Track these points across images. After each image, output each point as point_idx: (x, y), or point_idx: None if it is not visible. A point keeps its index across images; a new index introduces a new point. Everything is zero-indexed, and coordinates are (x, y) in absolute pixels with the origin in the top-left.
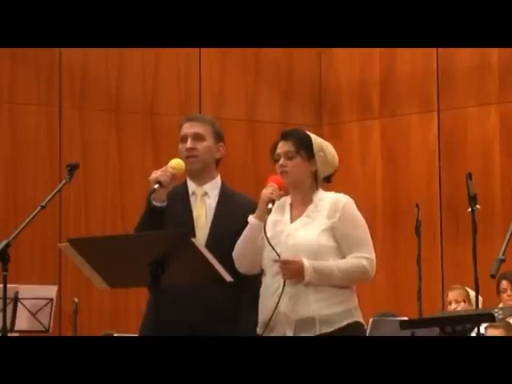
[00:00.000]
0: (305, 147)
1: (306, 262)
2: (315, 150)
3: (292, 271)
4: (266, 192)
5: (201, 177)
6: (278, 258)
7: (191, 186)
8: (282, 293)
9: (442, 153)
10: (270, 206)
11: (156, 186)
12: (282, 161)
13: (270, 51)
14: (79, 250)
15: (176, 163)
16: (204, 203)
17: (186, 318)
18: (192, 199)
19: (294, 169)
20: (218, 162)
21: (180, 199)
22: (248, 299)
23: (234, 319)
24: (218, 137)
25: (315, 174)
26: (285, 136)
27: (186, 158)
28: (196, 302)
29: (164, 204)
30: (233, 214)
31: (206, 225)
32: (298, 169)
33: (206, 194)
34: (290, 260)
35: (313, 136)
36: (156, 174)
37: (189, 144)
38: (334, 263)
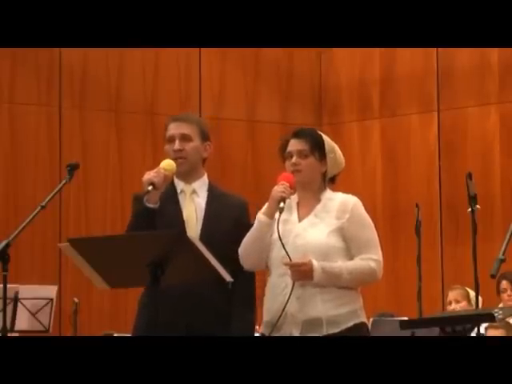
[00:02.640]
0: (318, 148)
1: (315, 263)
2: (327, 151)
3: (302, 273)
4: (278, 190)
5: (189, 176)
6: (287, 259)
7: (179, 184)
8: (290, 294)
9: (442, 153)
10: (281, 204)
11: (150, 187)
12: (294, 159)
13: (270, 51)
14: (79, 250)
15: (167, 164)
16: (193, 201)
17: (182, 318)
18: (181, 197)
19: (308, 168)
20: (204, 160)
21: (169, 199)
22: (243, 299)
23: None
24: (205, 136)
25: (324, 174)
26: (298, 134)
27: (174, 160)
28: (192, 302)
29: (157, 205)
30: (223, 214)
31: (197, 224)
32: (311, 168)
33: (194, 191)
34: (299, 262)
35: (324, 136)
36: (149, 176)
37: (176, 146)
38: (342, 264)
